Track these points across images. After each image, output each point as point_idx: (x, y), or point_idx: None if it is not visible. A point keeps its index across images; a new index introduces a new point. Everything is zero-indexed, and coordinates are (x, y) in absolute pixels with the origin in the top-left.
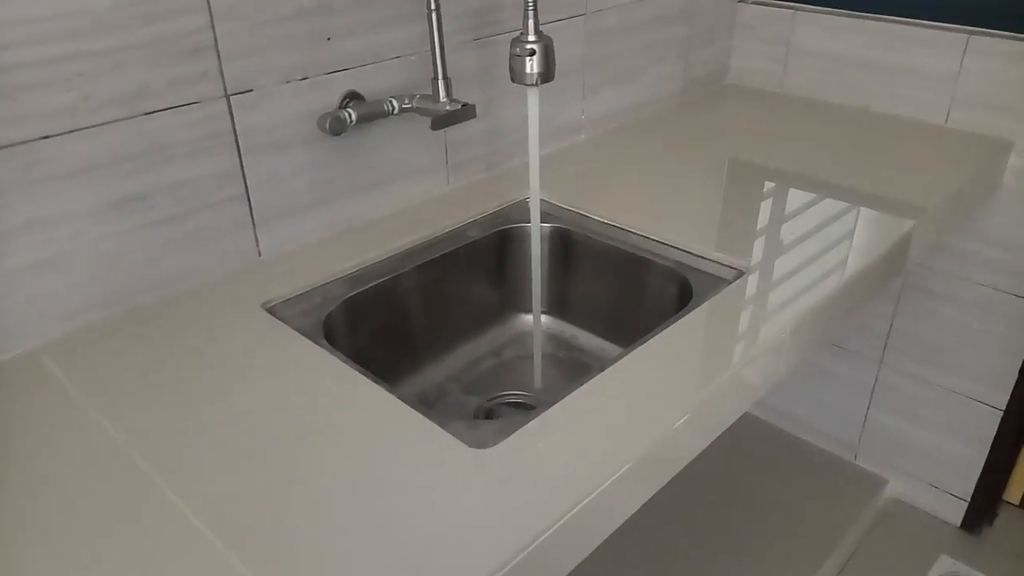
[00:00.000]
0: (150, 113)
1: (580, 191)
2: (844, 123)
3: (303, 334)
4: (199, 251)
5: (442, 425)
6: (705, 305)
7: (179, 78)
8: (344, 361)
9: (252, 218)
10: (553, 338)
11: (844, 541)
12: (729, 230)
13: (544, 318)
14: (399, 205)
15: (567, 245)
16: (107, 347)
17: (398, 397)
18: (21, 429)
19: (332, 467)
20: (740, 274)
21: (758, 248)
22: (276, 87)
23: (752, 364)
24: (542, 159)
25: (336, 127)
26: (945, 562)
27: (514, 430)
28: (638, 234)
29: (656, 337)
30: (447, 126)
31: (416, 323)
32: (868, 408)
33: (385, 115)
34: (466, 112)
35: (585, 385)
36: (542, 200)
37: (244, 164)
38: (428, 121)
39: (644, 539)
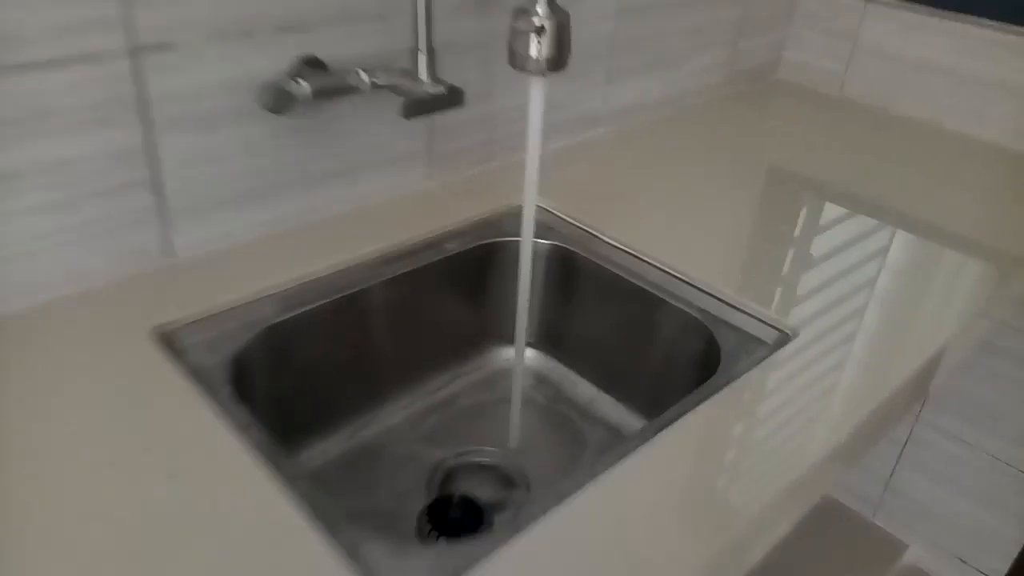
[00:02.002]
0: (22, 66)
1: (591, 200)
2: (911, 140)
3: (196, 375)
4: (89, 248)
5: (351, 553)
6: (736, 384)
7: (66, 24)
8: (235, 430)
9: (164, 210)
10: (541, 380)
11: None
12: (770, 271)
13: (533, 353)
14: (365, 203)
15: (568, 269)
16: None
17: (295, 496)
18: None
19: None
20: (784, 339)
21: (809, 302)
22: (205, 44)
23: (791, 496)
24: (549, 155)
25: (279, 103)
26: None
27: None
28: (657, 267)
29: (666, 431)
30: (424, 114)
31: (369, 353)
32: (896, 464)
33: (350, 91)
34: (451, 98)
35: (564, 506)
36: (544, 209)
37: (157, 141)
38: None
39: None
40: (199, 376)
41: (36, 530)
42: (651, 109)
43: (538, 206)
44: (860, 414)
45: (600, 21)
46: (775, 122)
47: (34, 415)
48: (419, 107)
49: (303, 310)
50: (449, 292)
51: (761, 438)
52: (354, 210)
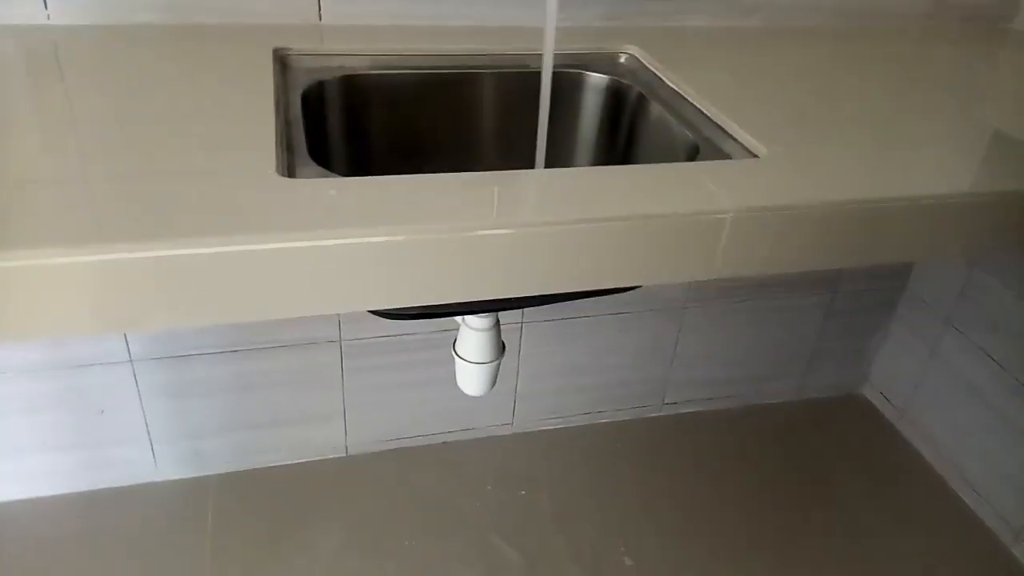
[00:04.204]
0: None
1: (696, 69)
2: None
3: (284, 85)
4: None
5: (289, 171)
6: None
7: None
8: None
9: None
10: None
11: None
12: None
13: None
14: (478, 22)
15: (620, 104)
16: (127, 45)
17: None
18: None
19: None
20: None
21: None
22: None
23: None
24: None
25: None
26: None
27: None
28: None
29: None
30: None
31: (406, 131)
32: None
33: None
34: None
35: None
36: (634, 57)
37: None
38: None
39: None
40: (285, 86)
41: None
42: (823, 16)
43: (629, 54)
44: None
45: None
46: (1005, 78)
47: (181, 74)
48: None
49: (380, 72)
50: (510, 104)
51: None
52: (467, 25)
